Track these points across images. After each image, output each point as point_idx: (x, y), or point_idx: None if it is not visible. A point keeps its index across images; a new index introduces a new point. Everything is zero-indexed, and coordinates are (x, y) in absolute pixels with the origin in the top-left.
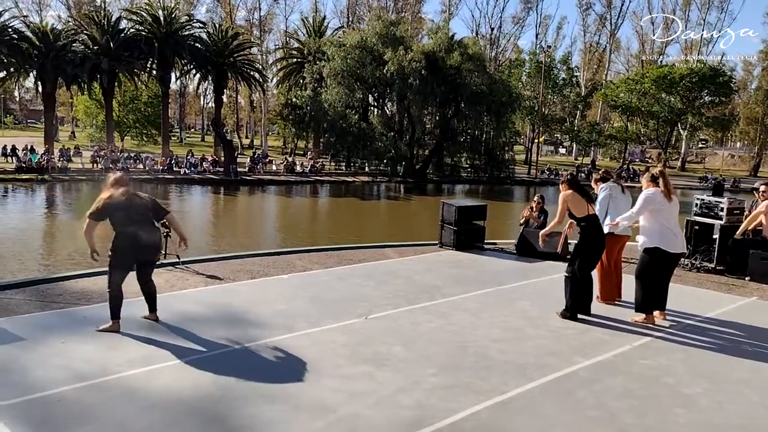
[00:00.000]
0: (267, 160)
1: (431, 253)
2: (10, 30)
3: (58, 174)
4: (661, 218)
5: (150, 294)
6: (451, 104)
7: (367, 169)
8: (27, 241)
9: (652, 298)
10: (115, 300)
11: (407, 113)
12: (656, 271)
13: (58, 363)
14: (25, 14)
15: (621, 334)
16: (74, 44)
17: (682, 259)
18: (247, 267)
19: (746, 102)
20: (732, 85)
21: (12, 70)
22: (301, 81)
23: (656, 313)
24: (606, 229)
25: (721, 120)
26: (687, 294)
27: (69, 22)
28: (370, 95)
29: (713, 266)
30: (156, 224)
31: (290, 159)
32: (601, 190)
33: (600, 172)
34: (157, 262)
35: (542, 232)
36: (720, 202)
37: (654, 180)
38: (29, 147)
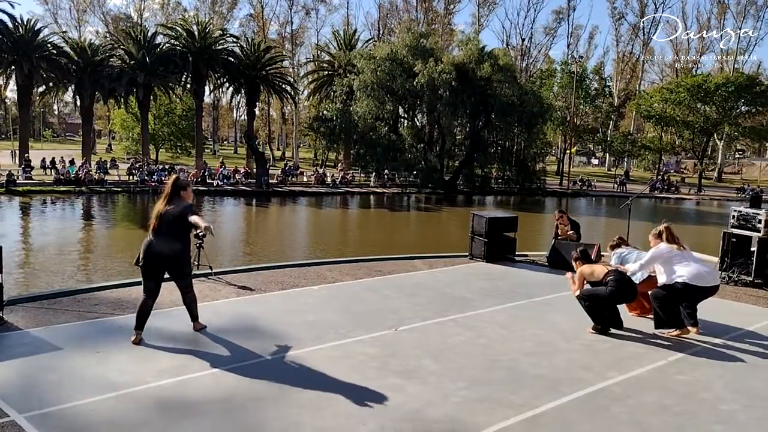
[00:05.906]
0: (298, 171)
1: (461, 265)
2: (49, 45)
3: (95, 186)
4: (677, 263)
5: (187, 305)
6: (481, 115)
7: (397, 180)
8: (64, 251)
9: (675, 315)
10: (139, 309)
11: (437, 125)
12: (679, 301)
13: (93, 372)
14: (64, 30)
15: (656, 349)
16: (111, 59)
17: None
18: (277, 278)
19: None
20: None
21: (51, 84)
22: (332, 93)
23: (691, 329)
24: (637, 278)
25: (758, 130)
26: (724, 308)
27: (106, 37)
28: (399, 107)
29: (751, 279)
30: (177, 236)
31: (321, 171)
32: (613, 256)
33: (615, 238)
34: (184, 275)
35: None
36: (758, 214)
37: (660, 236)
38: (69, 160)
